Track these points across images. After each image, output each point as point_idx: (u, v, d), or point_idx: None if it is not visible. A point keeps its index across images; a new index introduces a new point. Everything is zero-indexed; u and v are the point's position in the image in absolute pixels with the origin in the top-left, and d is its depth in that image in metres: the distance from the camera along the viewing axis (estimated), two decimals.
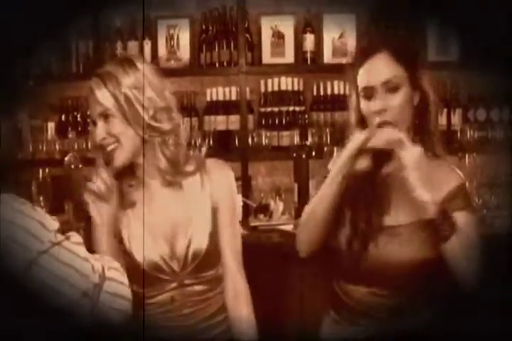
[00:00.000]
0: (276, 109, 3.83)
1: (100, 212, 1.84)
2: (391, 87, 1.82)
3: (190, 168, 1.93)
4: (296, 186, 3.51)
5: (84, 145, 3.79)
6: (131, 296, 1.61)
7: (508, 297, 2.14)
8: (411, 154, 1.73)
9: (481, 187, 3.59)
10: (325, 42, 3.91)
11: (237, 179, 2.07)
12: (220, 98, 3.84)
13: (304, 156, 3.49)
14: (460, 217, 1.77)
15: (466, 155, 3.59)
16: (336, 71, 3.89)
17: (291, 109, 3.83)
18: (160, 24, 3.94)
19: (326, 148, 3.72)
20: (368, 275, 1.84)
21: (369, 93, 1.84)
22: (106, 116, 1.82)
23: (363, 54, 1.89)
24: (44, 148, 3.85)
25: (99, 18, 3.85)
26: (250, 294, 1.98)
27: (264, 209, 3.68)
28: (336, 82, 3.81)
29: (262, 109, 3.87)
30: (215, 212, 1.93)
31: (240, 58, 3.79)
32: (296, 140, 3.77)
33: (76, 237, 1.52)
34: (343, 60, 3.84)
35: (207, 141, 3.77)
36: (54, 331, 1.44)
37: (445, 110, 3.76)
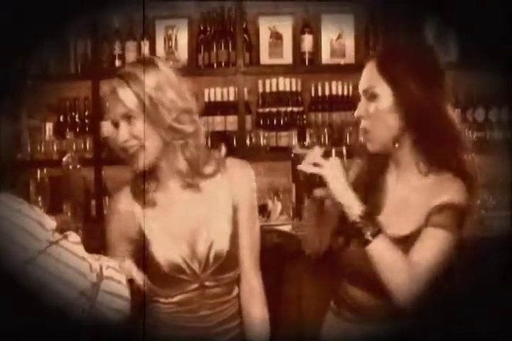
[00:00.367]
0: (274, 110, 3.82)
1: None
2: (370, 95, 1.84)
3: (210, 169, 1.90)
4: (294, 186, 3.50)
5: (82, 146, 3.80)
6: (129, 295, 1.60)
7: (508, 297, 2.14)
8: (329, 169, 1.76)
9: (479, 187, 3.58)
10: (323, 42, 3.90)
11: None
12: (218, 98, 3.83)
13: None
14: (433, 232, 1.73)
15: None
16: (334, 72, 3.96)
17: (289, 109, 3.82)
18: (158, 24, 3.93)
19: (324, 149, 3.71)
20: (365, 275, 1.84)
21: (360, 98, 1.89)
22: (129, 117, 1.79)
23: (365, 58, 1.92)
24: (42, 148, 3.85)
25: (98, 19, 3.84)
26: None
27: (262, 210, 3.67)
28: (334, 83, 3.80)
29: (260, 110, 3.87)
30: (235, 211, 1.91)
31: (238, 59, 3.78)
32: (295, 140, 3.76)
33: (74, 236, 1.51)
34: (341, 61, 3.85)
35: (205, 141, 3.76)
36: (51, 330, 1.43)
37: None
